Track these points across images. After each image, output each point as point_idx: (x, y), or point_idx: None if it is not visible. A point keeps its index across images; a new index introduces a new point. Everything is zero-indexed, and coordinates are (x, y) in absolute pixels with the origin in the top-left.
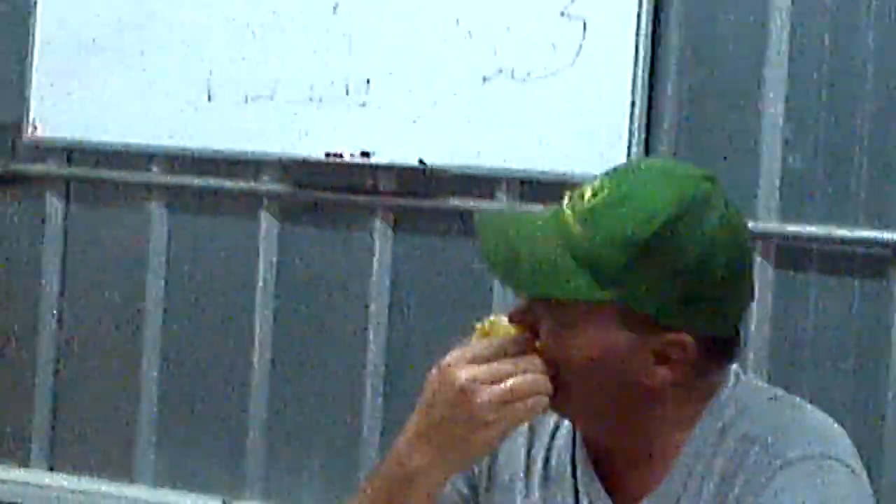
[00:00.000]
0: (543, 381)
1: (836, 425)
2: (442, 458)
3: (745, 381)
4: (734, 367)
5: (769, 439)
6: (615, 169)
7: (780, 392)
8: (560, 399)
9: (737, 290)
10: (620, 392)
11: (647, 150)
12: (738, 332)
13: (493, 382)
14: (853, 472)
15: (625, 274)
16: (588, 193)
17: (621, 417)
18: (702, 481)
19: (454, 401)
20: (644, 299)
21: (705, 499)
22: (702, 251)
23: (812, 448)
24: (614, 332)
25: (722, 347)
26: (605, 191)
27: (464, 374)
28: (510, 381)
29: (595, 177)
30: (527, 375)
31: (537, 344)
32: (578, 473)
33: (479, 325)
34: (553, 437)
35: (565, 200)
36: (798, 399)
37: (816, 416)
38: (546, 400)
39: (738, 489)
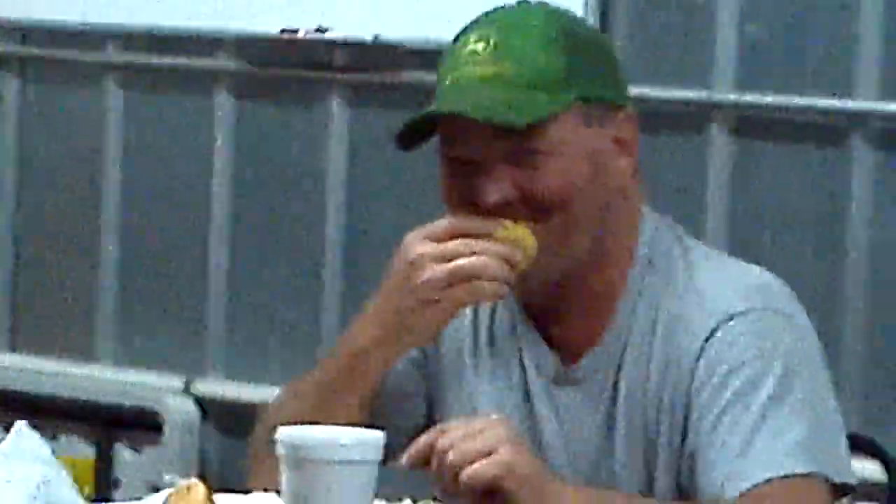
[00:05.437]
0: (494, 266)
1: (774, 278)
2: (391, 334)
3: (667, 223)
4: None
5: (710, 292)
6: (471, 25)
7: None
8: (547, 253)
9: None
10: (600, 206)
11: (604, 22)
12: None
13: (441, 261)
14: (795, 322)
15: (570, 71)
16: (479, 46)
17: (595, 245)
18: (649, 328)
19: (403, 275)
20: (595, 84)
21: (650, 351)
22: (594, 33)
23: (753, 301)
24: (584, 135)
25: None
26: (494, 32)
27: (415, 249)
28: (455, 262)
29: (456, 42)
30: (476, 258)
31: (504, 228)
32: (522, 336)
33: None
34: (494, 306)
35: (455, 73)
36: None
37: (753, 270)
38: (495, 286)
39: (682, 342)
